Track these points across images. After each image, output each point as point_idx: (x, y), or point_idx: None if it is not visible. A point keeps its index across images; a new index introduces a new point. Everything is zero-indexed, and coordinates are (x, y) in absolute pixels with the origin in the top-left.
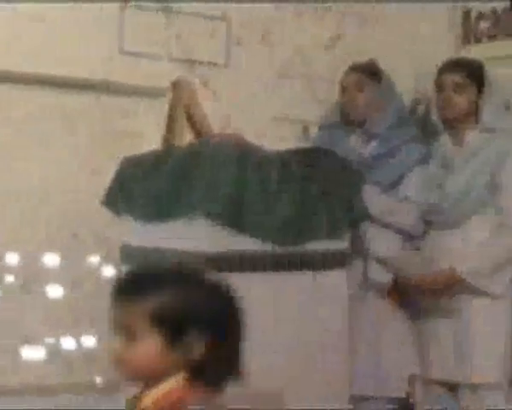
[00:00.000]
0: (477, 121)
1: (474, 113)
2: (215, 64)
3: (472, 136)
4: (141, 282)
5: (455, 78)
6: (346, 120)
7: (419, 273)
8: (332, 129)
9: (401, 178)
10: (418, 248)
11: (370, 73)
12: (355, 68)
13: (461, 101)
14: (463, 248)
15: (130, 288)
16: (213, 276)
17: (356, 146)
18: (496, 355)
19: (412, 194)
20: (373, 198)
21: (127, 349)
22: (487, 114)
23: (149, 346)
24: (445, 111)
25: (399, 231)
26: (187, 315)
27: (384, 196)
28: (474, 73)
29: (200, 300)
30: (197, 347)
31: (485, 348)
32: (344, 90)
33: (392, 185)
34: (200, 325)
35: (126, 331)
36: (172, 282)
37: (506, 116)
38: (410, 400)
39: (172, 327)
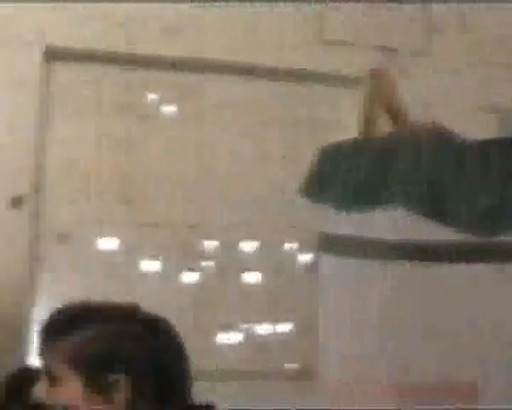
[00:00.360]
0: None
1: None
2: (415, 52)
3: None
4: (61, 324)
5: None
6: None
7: None
8: None
9: None
10: None
11: None
12: None
13: None
14: None
15: (50, 331)
16: (149, 312)
17: None
18: None
19: None
20: None
21: (50, 395)
22: None
23: (71, 390)
24: None
25: None
26: (108, 356)
27: None
28: None
29: (124, 338)
30: (122, 387)
31: None
32: None
33: None
34: (124, 365)
35: (49, 376)
36: (93, 322)
37: None
38: None
39: (93, 369)
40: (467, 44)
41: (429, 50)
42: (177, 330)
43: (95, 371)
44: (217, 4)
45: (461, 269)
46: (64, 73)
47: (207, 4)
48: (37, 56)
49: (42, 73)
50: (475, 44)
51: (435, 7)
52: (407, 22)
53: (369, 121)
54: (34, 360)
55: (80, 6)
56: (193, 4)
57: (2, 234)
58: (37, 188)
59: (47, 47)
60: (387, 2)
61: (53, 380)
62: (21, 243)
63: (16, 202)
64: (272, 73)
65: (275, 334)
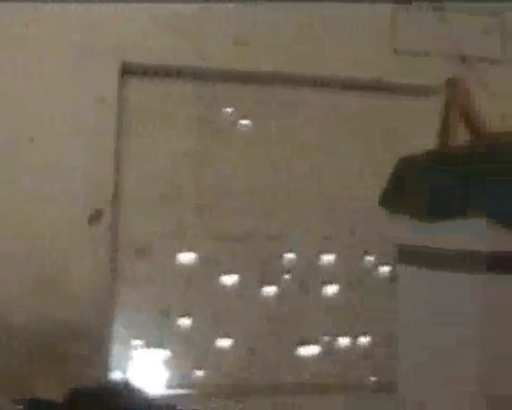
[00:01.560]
0: None
1: None
2: (490, 60)
3: None
4: None
5: None
6: None
7: None
8: None
9: None
10: None
11: None
12: None
13: None
14: None
15: None
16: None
17: None
18: None
19: None
20: None
21: None
22: None
23: None
24: None
25: None
26: None
27: None
28: None
29: None
30: None
31: None
32: None
33: None
34: None
35: None
36: None
37: None
38: None
39: None
40: None
41: (506, 58)
42: None
43: None
44: (289, 17)
45: None
46: (140, 88)
47: (280, 17)
48: (115, 73)
49: (119, 89)
50: None
51: (509, 15)
52: (481, 31)
53: (446, 132)
54: (115, 373)
55: (153, 21)
56: (264, 16)
57: (83, 248)
58: (116, 203)
59: (123, 63)
60: (460, 13)
61: None
62: (101, 256)
63: (95, 217)
64: (347, 85)
65: (354, 347)
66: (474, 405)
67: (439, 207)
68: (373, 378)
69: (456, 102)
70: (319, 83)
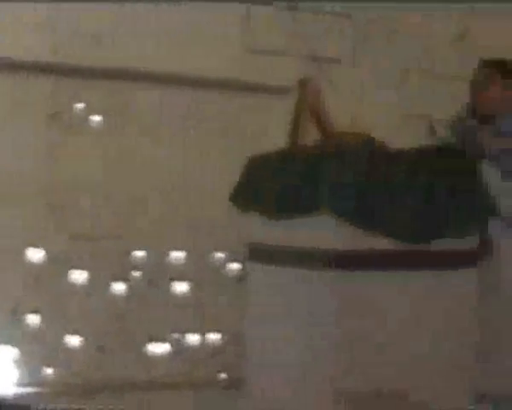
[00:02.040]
0: None
1: None
2: (341, 62)
3: None
4: None
5: None
6: (476, 115)
7: None
8: (462, 125)
9: None
10: None
11: (502, 69)
12: (486, 64)
13: None
14: None
15: None
16: None
17: (485, 141)
18: None
19: None
20: (489, 177)
21: None
22: None
23: None
24: None
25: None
26: None
27: (499, 179)
28: None
29: None
30: None
31: None
32: (474, 85)
33: None
34: None
35: None
36: None
37: None
38: None
39: None
40: (392, 54)
41: (356, 61)
42: None
43: None
44: (144, 13)
45: (394, 276)
46: None
47: (135, 13)
48: None
49: None
50: (400, 54)
51: (362, 18)
52: (333, 32)
53: (296, 131)
54: None
55: (10, 15)
56: (121, 12)
57: None
58: None
59: None
60: (313, 13)
61: None
62: None
63: None
64: (200, 83)
65: (204, 344)
66: (325, 402)
67: (287, 206)
68: (222, 375)
69: (307, 102)
70: (173, 80)
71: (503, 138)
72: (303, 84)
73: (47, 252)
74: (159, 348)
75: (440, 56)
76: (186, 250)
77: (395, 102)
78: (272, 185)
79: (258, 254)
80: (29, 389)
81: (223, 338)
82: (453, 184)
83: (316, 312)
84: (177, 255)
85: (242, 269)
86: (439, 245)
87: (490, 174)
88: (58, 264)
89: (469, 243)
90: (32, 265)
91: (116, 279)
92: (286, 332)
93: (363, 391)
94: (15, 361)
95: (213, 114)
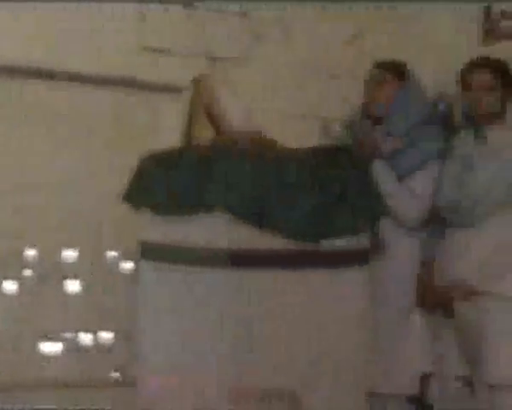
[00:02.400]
0: (503, 121)
1: (501, 112)
2: (236, 60)
3: (495, 135)
4: None
5: (485, 77)
6: (369, 115)
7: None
8: (356, 125)
9: (415, 170)
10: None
11: (394, 70)
12: (379, 65)
13: (490, 101)
14: (480, 250)
15: None
16: None
17: (378, 142)
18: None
19: (418, 187)
20: (379, 176)
21: None
22: (510, 114)
23: None
24: (473, 110)
25: (397, 220)
26: None
27: (390, 178)
28: (503, 73)
29: None
30: None
31: (502, 349)
32: (367, 86)
33: (407, 178)
34: None
35: None
36: None
37: None
38: (425, 398)
39: None
40: (287, 53)
41: (251, 58)
42: None
43: None
44: (33, 9)
45: (287, 275)
46: None
47: (23, 8)
48: None
49: None
50: (296, 53)
51: (257, 16)
52: (229, 30)
53: (190, 129)
54: None
55: None
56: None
57: None
58: None
59: None
60: (208, 11)
61: None
62: None
63: None
64: (94, 80)
65: (97, 343)
66: (218, 402)
67: (180, 204)
68: (115, 374)
69: (201, 101)
70: (68, 78)
71: (395, 138)
72: (197, 82)
73: None
74: (51, 348)
75: (335, 57)
76: (78, 249)
77: (290, 101)
78: (166, 184)
79: (150, 252)
80: None
81: (115, 337)
82: (345, 184)
83: (209, 311)
84: (70, 254)
85: (135, 268)
86: (331, 244)
87: (382, 174)
88: None
89: (361, 242)
90: None
91: (7, 278)
92: (179, 332)
93: (256, 391)
94: None
95: (107, 111)
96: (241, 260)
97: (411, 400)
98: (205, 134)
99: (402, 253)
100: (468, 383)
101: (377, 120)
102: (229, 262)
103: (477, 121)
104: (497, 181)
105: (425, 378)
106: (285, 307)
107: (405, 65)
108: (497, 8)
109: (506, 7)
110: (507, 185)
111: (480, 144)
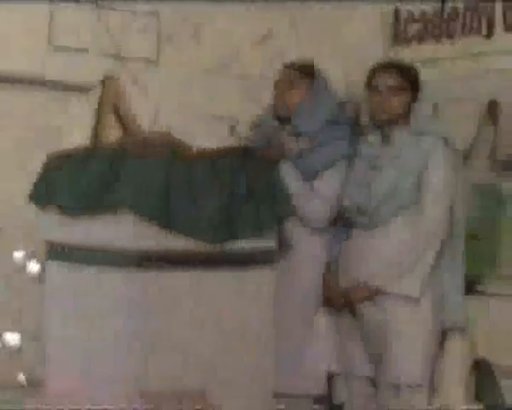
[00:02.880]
0: (408, 123)
1: (406, 115)
2: (145, 60)
3: (400, 137)
4: None
5: (391, 80)
6: (278, 116)
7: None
8: (265, 126)
9: (322, 170)
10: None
11: (304, 71)
12: (289, 66)
13: (396, 103)
14: (382, 250)
15: None
16: None
17: (286, 142)
18: (416, 356)
19: (324, 187)
20: (285, 176)
21: None
22: (416, 117)
23: None
24: (379, 112)
25: (303, 220)
26: None
27: (295, 179)
28: (409, 76)
29: None
30: None
31: (403, 349)
32: (276, 86)
33: (314, 178)
34: None
35: None
36: None
37: (433, 119)
38: (333, 399)
39: None
40: (197, 53)
41: (160, 59)
42: None
43: None
44: None
45: (194, 277)
46: None
47: None
48: None
49: None
50: (205, 53)
51: (167, 17)
52: (139, 30)
53: (99, 128)
54: None
55: None
56: None
57: None
58: None
59: None
60: (117, 11)
61: None
62: None
63: None
64: (2, 79)
65: (4, 344)
66: (128, 401)
67: (88, 204)
68: (21, 376)
69: (110, 100)
70: None
71: (302, 139)
72: (106, 82)
73: None
74: None
75: (245, 57)
76: None
77: (199, 102)
78: (73, 183)
79: (57, 253)
80: None
81: (22, 339)
82: (251, 185)
83: (115, 312)
84: None
85: (42, 268)
86: (237, 245)
87: (287, 175)
88: None
89: (266, 242)
90: None
91: None
92: (86, 333)
93: (166, 392)
94: None
95: (17, 111)
96: (147, 260)
97: (319, 400)
98: (113, 134)
99: (307, 253)
100: (374, 383)
101: (286, 121)
102: (135, 263)
103: (382, 123)
104: (400, 183)
105: (331, 379)
106: (192, 309)
107: (314, 66)
108: (406, 10)
109: (415, 10)
110: (409, 187)
111: (385, 146)
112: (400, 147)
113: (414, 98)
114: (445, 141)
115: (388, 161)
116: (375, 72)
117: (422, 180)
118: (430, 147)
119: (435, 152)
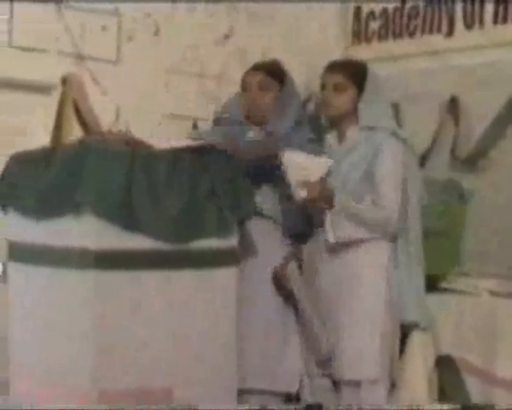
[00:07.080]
0: (357, 120)
1: (353, 112)
2: (106, 59)
3: (352, 133)
4: None
5: (335, 78)
6: (246, 117)
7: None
8: (228, 125)
9: None
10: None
11: (273, 73)
12: (258, 68)
13: (340, 101)
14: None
15: None
16: None
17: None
18: (370, 352)
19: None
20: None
21: None
22: (369, 113)
23: None
24: (325, 110)
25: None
26: None
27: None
28: (354, 74)
29: None
30: None
31: (358, 345)
32: (245, 88)
33: None
34: None
35: None
36: None
37: (388, 115)
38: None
39: None
40: (157, 52)
41: (119, 58)
42: None
43: None
44: None
45: (156, 276)
46: None
47: None
48: None
49: None
50: (166, 52)
51: (128, 15)
52: (99, 30)
53: (60, 128)
54: None
55: None
56: None
57: None
58: None
59: None
60: (78, 10)
61: None
62: None
63: None
64: None
65: None
66: (86, 400)
67: (48, 204)
68: None
69: (71, 100)
70: None
71: (270, 141)
72: (67, 81)
73: None
74: None
75: (206, 56)
76: None
77: (160, 101)
78: (33, 184)
79: (18, 253)
80: None
81: None
82: (213, 184)
83: (77, 313)
84: None
85: (4, 269)
86: (200, 245)
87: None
88: None
89: (229, 242)
90: None
91: None
92: (48, 334)
93: (129, 391)
94: None
95: None
96: (108, 260)
97: (289, 399)
98: (74, 133)
99: (271, 253)
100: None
101: (256, 123)
102: (96, 263)
103: (332, 120)
104: (351, 175)
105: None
106: (155, 308)
107: (282, 67)
108: (366, 9)
109: (375, 8)
110: (359, 178)
111: (341, 143)
112: (351, 143)
113: (360, 95)
114: (395, 134)
115: (341, 157)
116: (325, 71)
117: (372, 172)
118: (381, 140)
119: (384, 145)
